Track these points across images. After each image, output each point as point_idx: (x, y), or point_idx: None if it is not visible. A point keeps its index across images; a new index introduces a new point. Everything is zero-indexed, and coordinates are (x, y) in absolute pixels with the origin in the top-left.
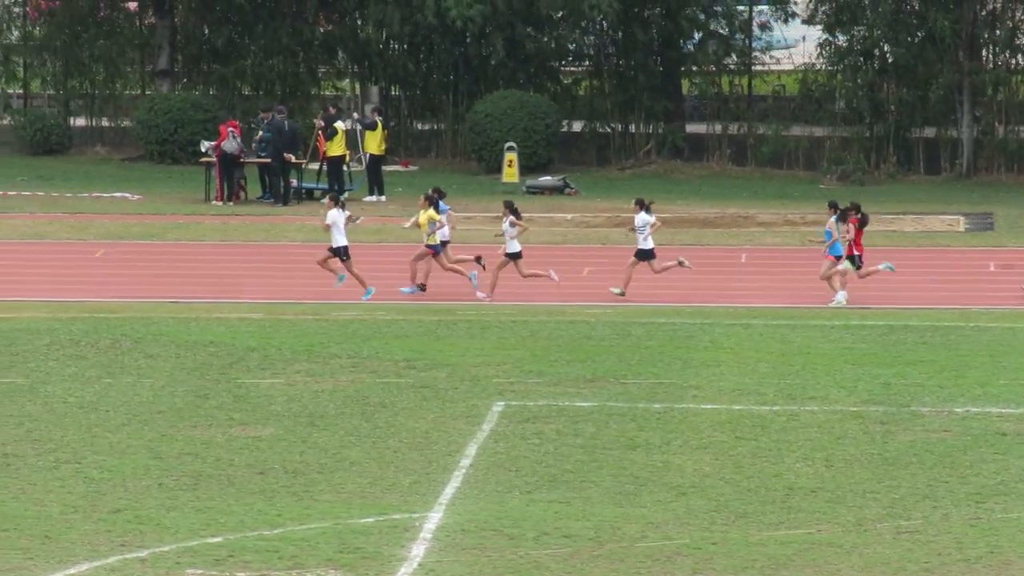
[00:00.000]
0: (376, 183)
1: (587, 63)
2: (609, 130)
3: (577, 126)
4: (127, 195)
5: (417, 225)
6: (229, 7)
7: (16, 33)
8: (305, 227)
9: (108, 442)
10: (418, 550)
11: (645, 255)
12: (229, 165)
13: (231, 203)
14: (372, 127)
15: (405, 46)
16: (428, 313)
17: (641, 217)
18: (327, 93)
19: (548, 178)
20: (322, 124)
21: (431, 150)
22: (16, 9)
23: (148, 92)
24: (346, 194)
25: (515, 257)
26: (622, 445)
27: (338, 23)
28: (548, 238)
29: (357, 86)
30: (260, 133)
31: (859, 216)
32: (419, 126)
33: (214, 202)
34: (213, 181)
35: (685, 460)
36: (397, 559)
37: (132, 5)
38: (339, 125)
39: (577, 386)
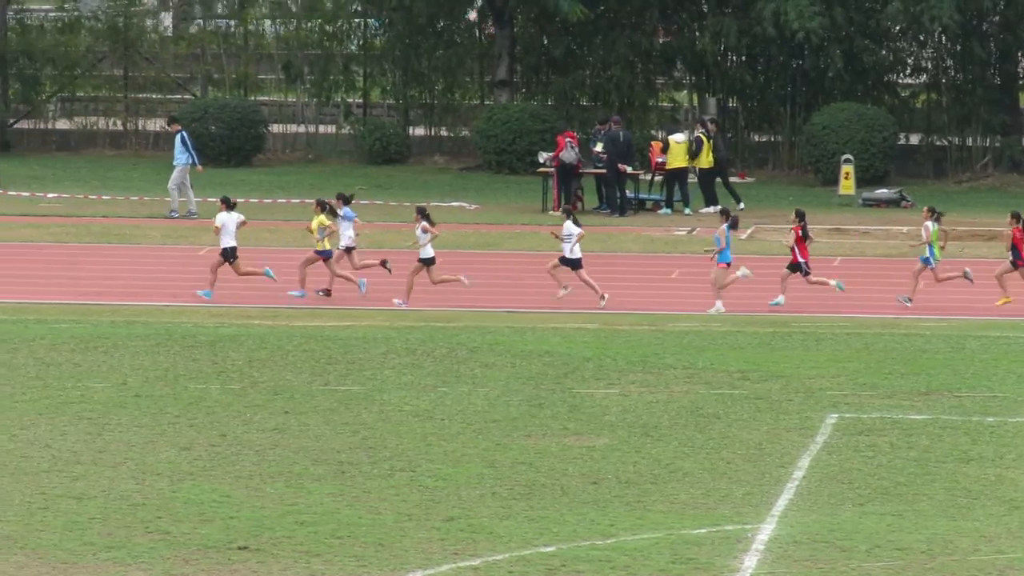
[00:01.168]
0: (710, 195)
1: (924, 76)
2: (946, 143)
3: (914, 139)
4: (464, 204)
5: (309, 230)
6: (568, 19)
7: (356, 43)
8: (641, 238)
9: (443, 451)
10: (750, 561)
11: (572, 263)
12: (567, 175)
13: None
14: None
15: (743, 57)
16: (763, 324)
17: (568, 226)
18: (664, 104)
19: (884, 191)
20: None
21: (768, 162)
22: (357, 20)
23: (487, 102)
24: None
25: (428, 263)
26: (955, 458)
27: (676, 34)
28: (884, 251)
29: (694, 97)
30: (598, 145)
31: (801, 225)
32: (756, 138)
33: (551, 212)
34: (550, 191)
35: (1019, 474)
36: (729, 570)
37: (471, 15)
38: (676, 138)
39: (911, 399)
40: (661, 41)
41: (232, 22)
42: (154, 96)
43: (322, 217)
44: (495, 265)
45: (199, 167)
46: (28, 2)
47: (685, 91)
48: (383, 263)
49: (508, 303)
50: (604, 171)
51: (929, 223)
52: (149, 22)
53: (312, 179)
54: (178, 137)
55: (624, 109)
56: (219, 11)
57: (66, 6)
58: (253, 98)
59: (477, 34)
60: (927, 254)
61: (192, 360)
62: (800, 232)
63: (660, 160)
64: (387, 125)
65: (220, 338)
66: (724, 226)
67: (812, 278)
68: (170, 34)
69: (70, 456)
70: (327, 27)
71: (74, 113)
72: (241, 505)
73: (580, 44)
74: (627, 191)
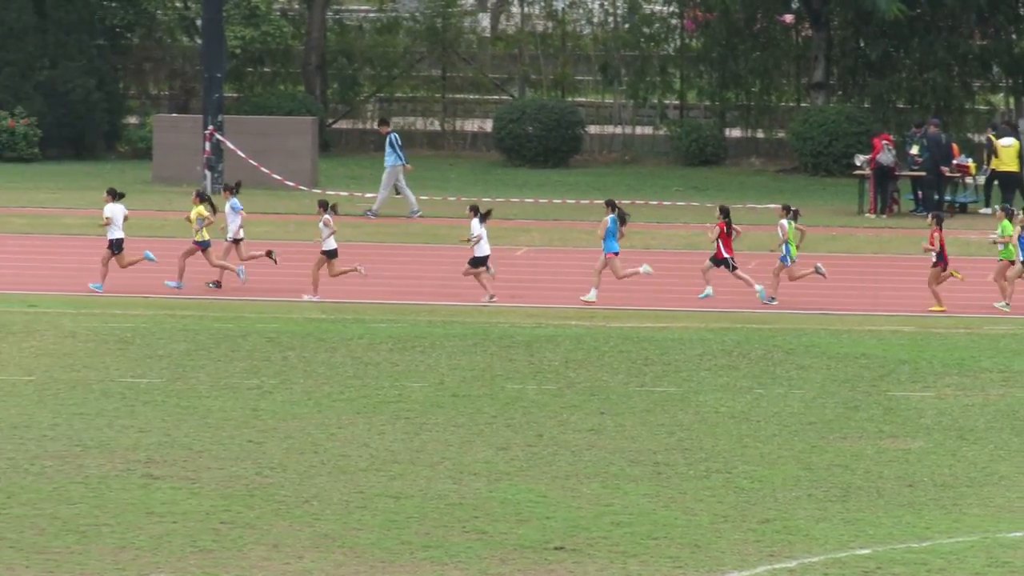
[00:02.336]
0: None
1: None
2: None
3: None
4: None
5: (188, 220)
6: (885, 20)
7: (673, 45)
8: (958, 241)
9: (758, 452)
10: None
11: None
12: (883, 178)
13: (884, 216)
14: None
15: None
16: None
17: (475, 225)
18: (980, 107)
19: None
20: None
21: None
22: (673, 21)
23: (803, 104)
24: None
25: (331, 256)
26: None
27: (993, 37)
28: None
29: (1010, 100)
30: (914, 148)
31: (726, 220)
32: None
33: (867, 215)
34: (867, 194)
35: None
36: None
37: (788, 18)
38: (1005, 142)
39: None
40: (978, 44)
41: (550, 23)
42: (471, 97)
43: (201, 208)
44: (810, 267)
45: (407, 166)
46: (347, 3)
47: (1001, 94)
48: (268, 253)
49: (823, 305)
50: (922, 174)
51: (784, 221)
52: (467, 22)
53: (628, 180)
54: (388, 139)
55: (940, 112)
56: (537, 12)
57: (385, 7)
58: (570, 99)
59: (793, 36)
60: (784, 252)
61: (509, 360)
62: (724, 228)
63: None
64: (703, 127)
65: (537, 338)
66: (609, 217)
67: (739, 273)
68: (488, 35)
69: (388, 455)
70: (645, 28)
71: (392, 113)
72: (557, 505)
73: (896, 46)
74: (944, 194)
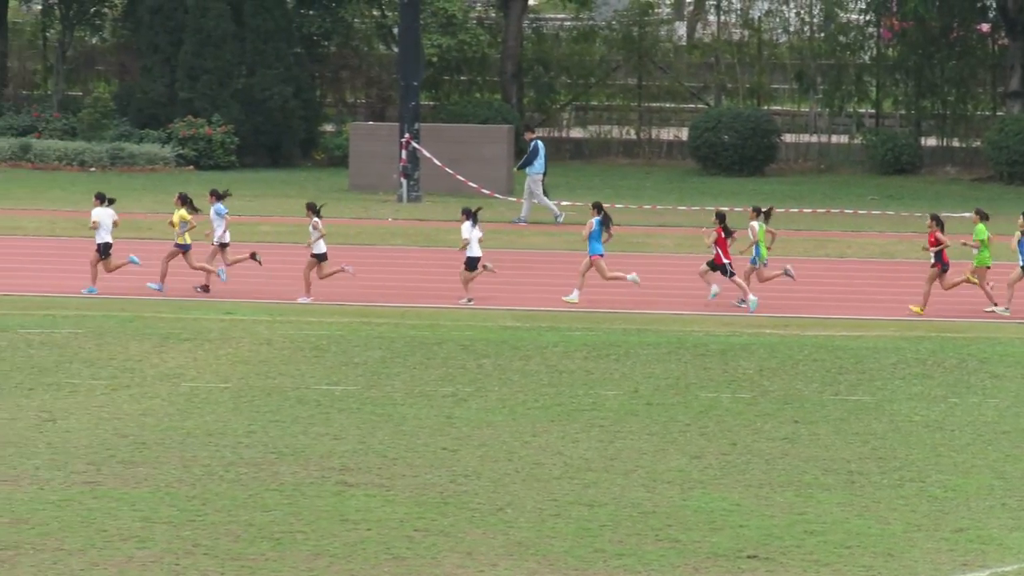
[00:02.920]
0: None
1: None
2: None
3: None
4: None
5: (170, 224)
6: None
7: (869, 53)
8: None
9: (952, 461)
10: None
11: (472, 264)
12: None
13: None
14: None
15: None
16: None
17: (467, 227)
18: None
19: None
20: None
21: None
22: (870, 30)
23: (999, 113)
24: None
25: (320, 258)
26: None
27: None
28: None
29: None
30: None
31: (723, 225)
32: None
33: None
34: None
35: None
36: None
37: (984, 27)
38: None
39: None
40: None
41: (746, 32)
42: (667, 105)
43: (183, 211)
44: (1002, 276)
45: (543, 176)
46: (544, 11)
47: None
48: (252, 255)
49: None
50: None
51: (755, 223)
52: (663, 31)
53: (824, 189)
54: (532, 146)
55: None
56: (733, 20)
57: (581, 15)
58: (766, 108)
59: (990, 45)
60: (753, 254)
61: (703, 368)
62: (722, 232)
63: None
64: (899, 135)
65: (731, 347)
66: (594, 219)
67: (737, 279)
68: (684, 43)
69: (581, 463)
70: (841, 37)
71: (588, 122)
72: (750, 514)
73: None
74: None
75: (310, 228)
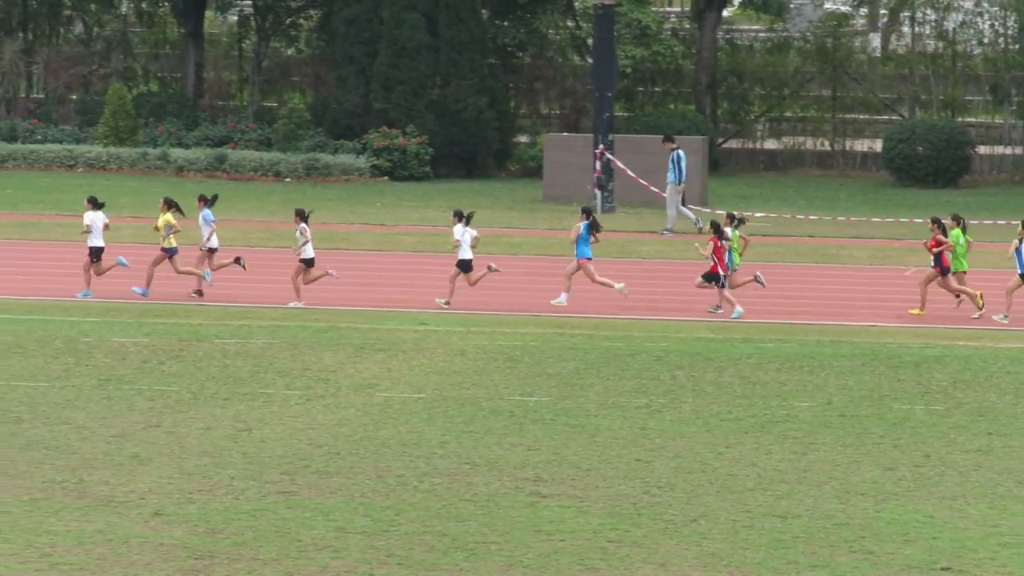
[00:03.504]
0: None
1: None
2: None
3: None
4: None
5: (155, 228)
6: None
7: None
8: None
9: None
10: None
11: (465, 266)
12: None
13: None
14: None
15: None
16: None
17: (458, 229)
18: None
19: None
20: None
21: None
22: None
23: None
24: None
25: (308, 264)
26: None
27: None
28: None
29: None
30: None
31: (718, 235)
32: None
33: None
34: None
35: None
36: None
37: None
38: None
39: None
40: None
41: (940, 43)
42: (861, 117)
43: (168, 216)
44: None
45: (681, 186)
46: (738, 23)
47: None
48: (236, 260)
49: None
50: None
51: (728, 230)
52: (857, 42)
53: (1018, 200)
54: (672, 156)
55: None
56: (927, 32)
57: (775, 27)
58: (960, 120)
59: None
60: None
61: (897, 380)
62: (718, 242)
63: None
64: None
65: (925, 359)
66: (583, 224)
67: (726, 293)
68: (878, 55)
69: (775, 475)
70: None
71: (781, 133)
72: (944, 526)
73: None
74: None
75: (297, 234)
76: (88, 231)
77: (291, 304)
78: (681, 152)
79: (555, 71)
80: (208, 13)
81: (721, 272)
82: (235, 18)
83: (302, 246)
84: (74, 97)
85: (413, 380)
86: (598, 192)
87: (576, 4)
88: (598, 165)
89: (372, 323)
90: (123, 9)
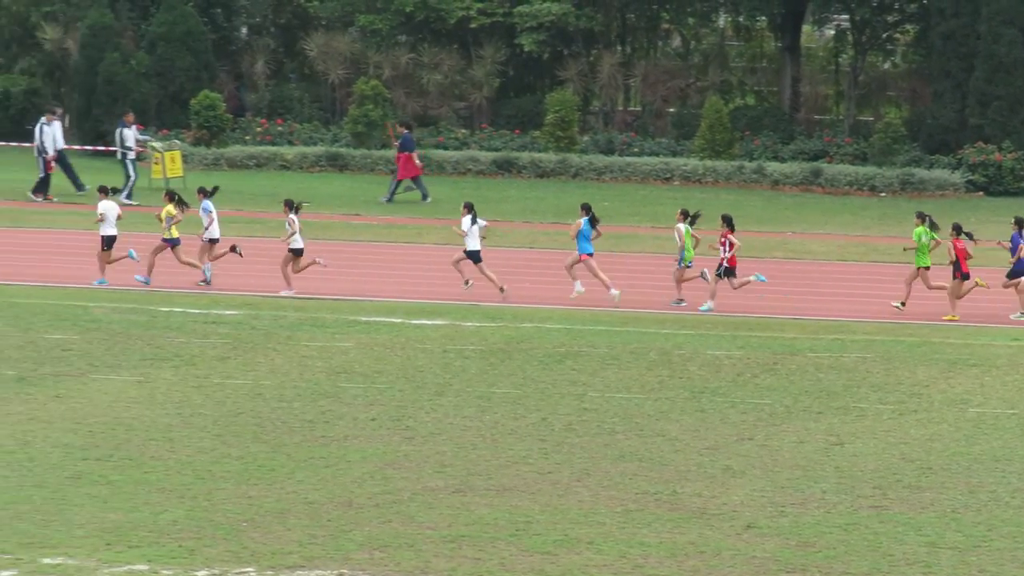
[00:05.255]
0: None
1: None
2: None
3: None
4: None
5: (158, 219)
6: None
7: None
8: None
9: None
10: None
11: (473, 256)
12: None
13: None
14: None
15: None
16: None
17: (466, 221)
18: None
19: None
20: None
21: None
22: None
23: None
24: None
25: (297, 253)
26: None
27: None
28: None
29: None
30: None
31: (731, 230)
32: None
33: None
34: None
35: None
36: None
37: None
38: None
39: None
40: None
41: None
42: None
43: (170, 207)
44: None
45: None
46: None
47: None
48: (232, 248)
49: None
50: None
51: (681, 226)
52: None
53: None
54: None
55: None
56: None
57: None
58: None
59: None
60: (679, 255)
61: None
62: (729, 236)
63: None
64: None
65: None
66: (583, 219)
67: (735, 282)
68: None
69: None
70: None
71: None
72: None
73: None
74: None
75: (286, 225)
76: (102, 220)
77: (282, 292)
78: None
79: None
80: (805, 27)
81: (728, 266)
82: (832, 32)
83: (290, 236)
84: (671, 110)
85: (1006, 396)
86: None
87: None
88: None
89: (966, 338)
90: (720, 23)
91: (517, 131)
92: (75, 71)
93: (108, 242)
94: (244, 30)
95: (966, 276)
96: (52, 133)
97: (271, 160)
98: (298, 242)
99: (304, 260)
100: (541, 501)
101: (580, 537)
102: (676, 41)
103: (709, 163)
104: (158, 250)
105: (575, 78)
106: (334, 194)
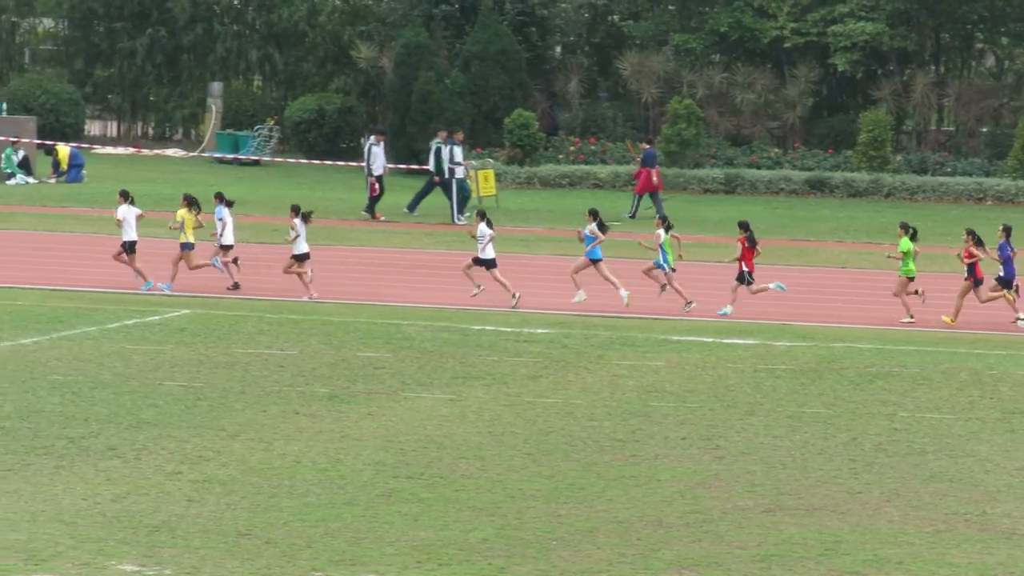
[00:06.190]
0: None
1: None
2: None
3: None
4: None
5: (171, 227)
6: None
7: None
8: None
9: None
10: None
11: (486, 263)
12: None
13: None
14: None
15: None
16: None
17: (482, 228)
18: None
19: None
20: None
21: None
22: None
23: None
24: None
25: (301, 259)
26: None
27: None
28: None
29: None
30: None
31: (747, 234)
32: None
33: None
34: None
35: None
36: None
37: None
38: None
39: None
40: None
41: None
42: None
43: (184, 211)
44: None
45: None
46: None
47: None
48: (234, 261)
49: None
50: None
51: (660, 231)
52: None
53: None
54: None
55: None
56: None
57: None
58: None
59: None
60: (661, 259)
61: None
62: (746, 242)
63: None
64: None
65: None
66: (593, 224)
67: (754, 287)
68: None
69: None
70: None
71: None
72: None
73: None
74: None
75: (289, 229)
76: (120, 225)
77: (305, 298)
78: None
79: None
80: None
81: (746, 268)
82: None
83: (294, 239)
84: (984, 130)
85: None
86: None
87: None
88: None
89: None
90: None
91: (830, 150)
92: (389, 89)
93: (129, 247)
94: (558, 49)
95: (979, 282)
96: (379, 154)
97: (584, 179)
98: (302, 247)
99: (305, 266)
100: (850, 521)
101: (889, 557)
102: (990, 61)
103: (1022, 183)
104: (179, 258)
105: (888, 97)
106: (648, 215)
